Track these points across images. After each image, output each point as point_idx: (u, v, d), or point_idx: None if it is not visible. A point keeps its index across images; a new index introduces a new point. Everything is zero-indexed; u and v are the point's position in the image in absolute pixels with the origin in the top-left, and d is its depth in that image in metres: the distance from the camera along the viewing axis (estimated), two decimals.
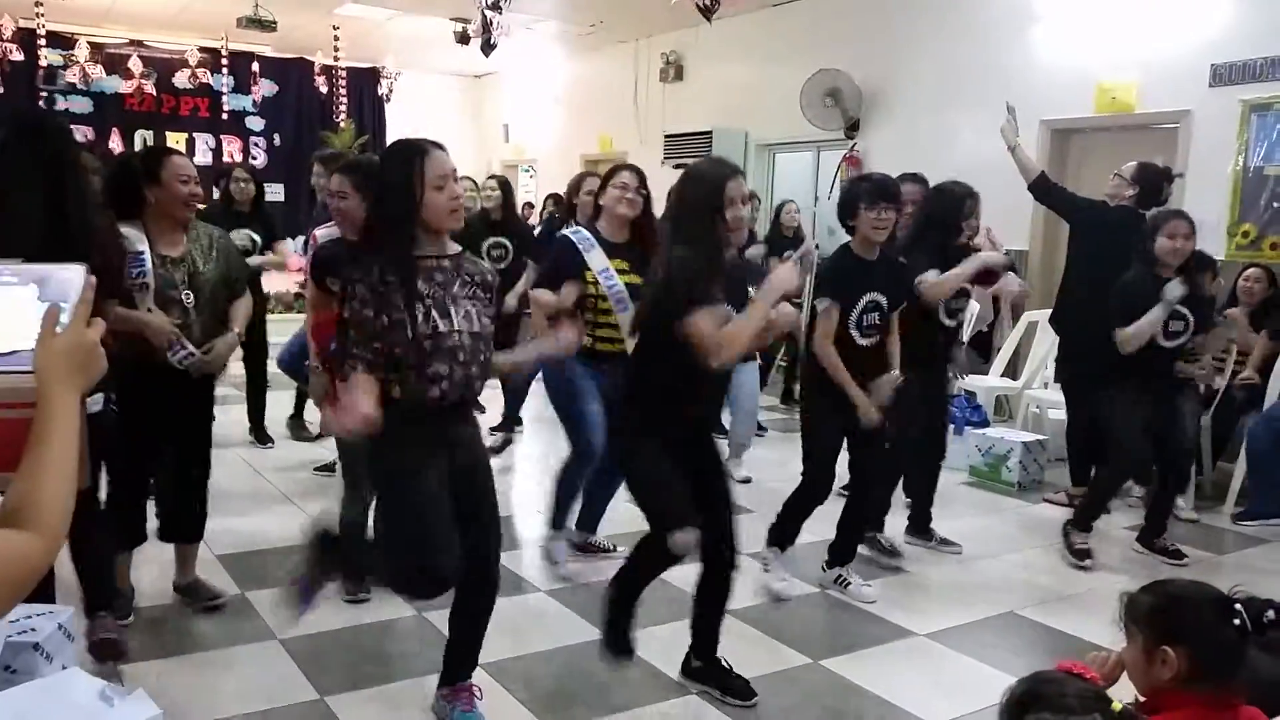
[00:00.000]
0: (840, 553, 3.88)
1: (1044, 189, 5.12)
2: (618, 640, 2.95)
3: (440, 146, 2.50)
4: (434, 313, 2.43)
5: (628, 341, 3.59)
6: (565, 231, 3.91)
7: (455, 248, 2.57)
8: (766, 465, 5.39)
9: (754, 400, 5.47)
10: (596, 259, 3.69)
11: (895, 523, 4.37)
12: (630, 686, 3.02)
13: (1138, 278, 4.24)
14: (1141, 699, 1.74)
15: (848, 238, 3.73)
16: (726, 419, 5.37)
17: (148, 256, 3.14)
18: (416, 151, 2.46)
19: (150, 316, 3.10)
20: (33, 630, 2.59)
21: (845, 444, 3.75)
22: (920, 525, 4.43)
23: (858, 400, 3.54)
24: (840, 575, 3.86)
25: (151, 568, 3.58)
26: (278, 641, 3.24)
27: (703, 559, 2.94)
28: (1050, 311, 5.47)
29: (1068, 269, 5.26)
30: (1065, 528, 4.39)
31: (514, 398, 5.93)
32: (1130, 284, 4.23)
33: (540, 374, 3.98)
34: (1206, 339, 4.52)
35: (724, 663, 3.05)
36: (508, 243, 5.79)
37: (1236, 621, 1.64)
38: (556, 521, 4.06)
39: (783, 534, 3.84)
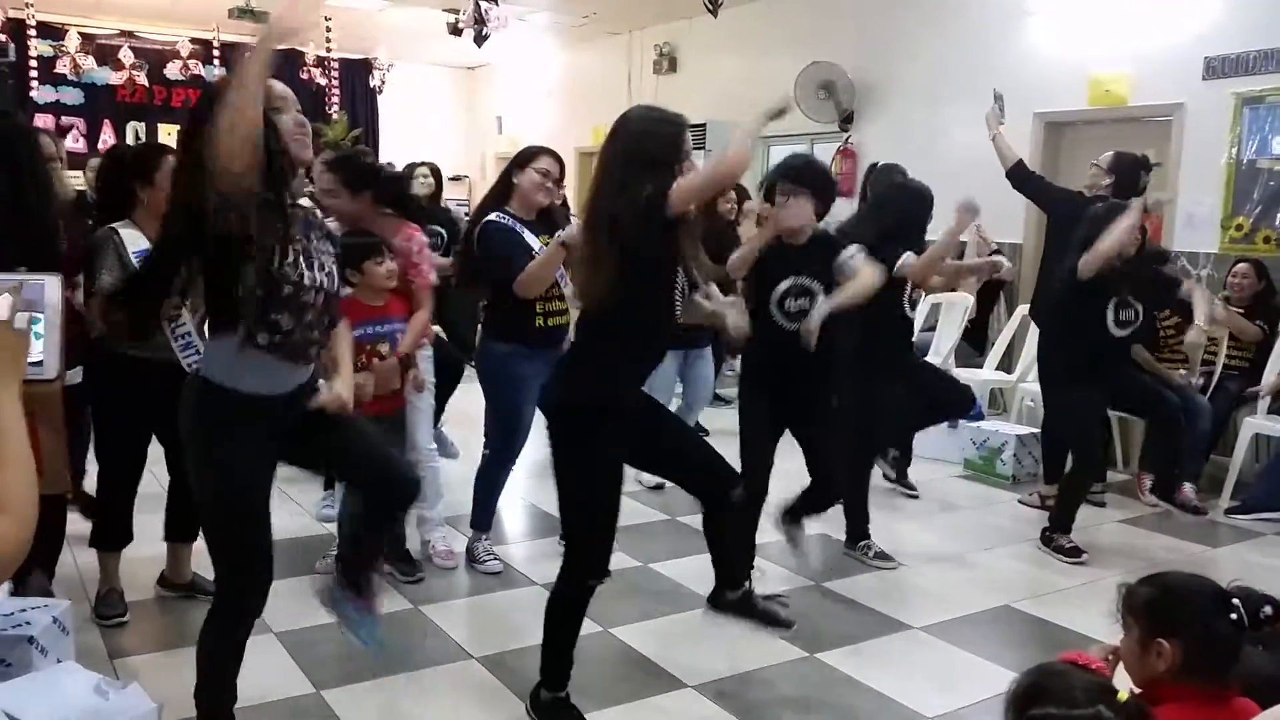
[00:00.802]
0: (793, 512, 3.73)
1: (1021, 177, 5.15)
2: (550, 673, 2.79)
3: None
4: (299, 259, 2.18)
5: (573, 312, 3.54)
6: (491, 218, 3.63)
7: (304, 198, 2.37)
8: None
9: (708, 390, 5.27)
10: (530, 238, 3.61)
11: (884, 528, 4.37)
12: (627, 681, 3.03)
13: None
14: (1137, 690, 1.74)
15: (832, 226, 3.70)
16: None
17: None
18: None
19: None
20: (28, 624, 2.59)
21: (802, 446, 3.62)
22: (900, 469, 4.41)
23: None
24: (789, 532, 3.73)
25: (147, 562, 3.57)
26: (273, 634, 3.23)
27: (700, 499, 2.84)
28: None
29: (1044, 260, 5.28)
30: (1046, 534, 4.37)
31: None
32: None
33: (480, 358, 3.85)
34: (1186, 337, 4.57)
35: (756, 595, 2.96)
36: (443, 231, 5.68)
37: (1233, 616, 1.64)
38: (479, 521, 3.98)
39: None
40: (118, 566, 3.41)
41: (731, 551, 2.94)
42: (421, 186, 5.74)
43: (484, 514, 3.97)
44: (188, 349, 3.12)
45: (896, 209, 4.11)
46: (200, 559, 3.66)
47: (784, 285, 3.42)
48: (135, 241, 3.09)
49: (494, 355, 3.75)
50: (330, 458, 2.54)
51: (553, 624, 2.75)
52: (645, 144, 2.52)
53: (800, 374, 3.46)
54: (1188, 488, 5.01)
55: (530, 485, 5.06)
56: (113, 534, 3.38)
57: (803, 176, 3.49)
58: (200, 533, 3.42)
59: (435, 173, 5.93)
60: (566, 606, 2.75)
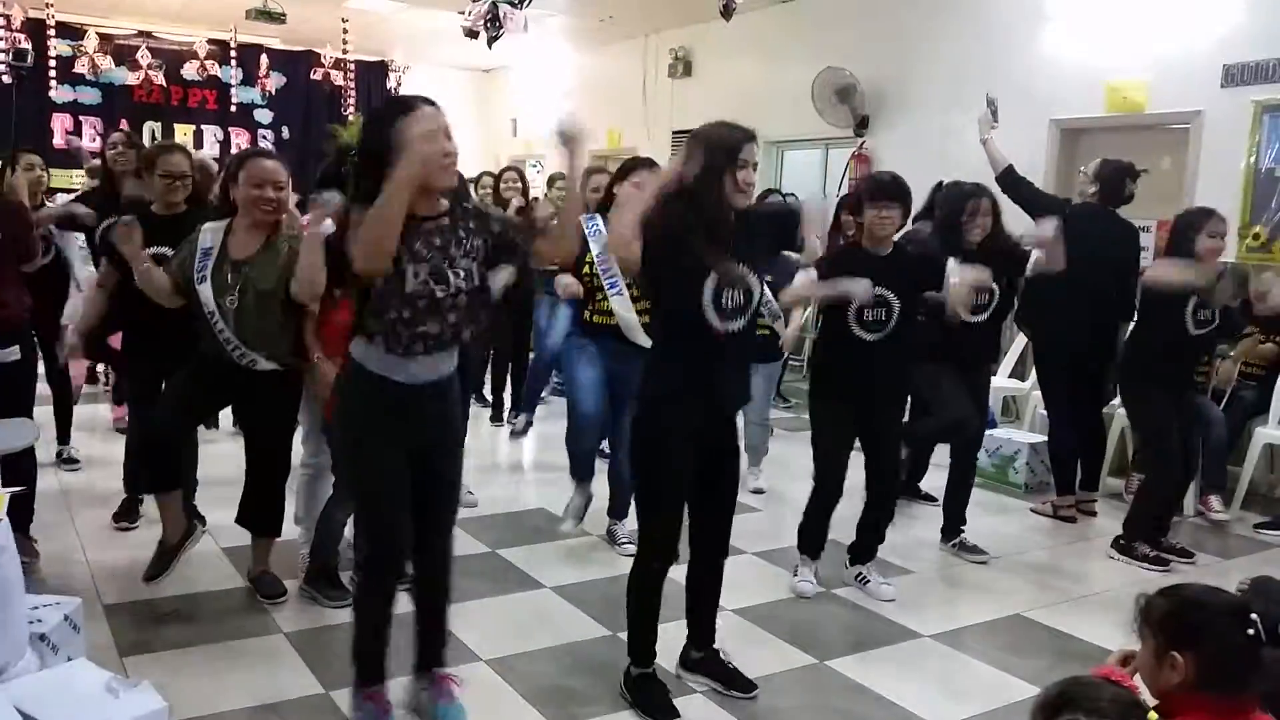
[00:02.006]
0: (860, 551, 3.89)
1: (1010, 182, 5.10)
2: (636, 651, 2.94)
3: (430, 101, 2.49)
4: (429, 277, 2.44)
5: (618, 316, 3.90)
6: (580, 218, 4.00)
7: (446, 204, 2.54)
8: (770, 463, 5.38)
9: (765, 408, 5.35)
10: (597, 245, 3.92)
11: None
12: None
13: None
14: (1154, 701, 1.73)
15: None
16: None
17: (211, 255, 3.27)
18: (400, 108, 2.46)
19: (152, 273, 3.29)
20: (39, 621, 2.59)
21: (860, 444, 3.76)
22: (951, 531, 4.39)
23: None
24: (860, 573, 3.87)
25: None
26: (283, 635, 3.25)
27: (692, 553, 2.97)
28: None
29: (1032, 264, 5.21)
30: (1125, 545, 4.35)
31: (534, 379, 5.92)
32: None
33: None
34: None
35: (723, 654, 3.06)
36: None
37: (1250, 631, 1.62)
38: (577, 473, 4.27)
39: (808, 541, 3.82)
40: (178, 507, 3.49)
41: (710, 610, 3.06)
42: (512, 192, 5.92)
43: (579, 466, 4.25)
44: (229, 344, 3.26)
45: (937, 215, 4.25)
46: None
47: None
48: (204, 240, 3.30)
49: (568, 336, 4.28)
50: (422, 489, 2.65)
51: (629, 603, 2.92)
52: (701, 150, 2.70)
53: (877, 383, 3.62)
54: (1214, 500, 4.97)
55: (539, 489, 5.07)
56: (154, 475, 3.46)
57: (890, 189, 3.61)
58: (278, 528, 3.57)
59: (522, 177, 6.16)
60: (637, 587, 2.91)
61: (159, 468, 3.44)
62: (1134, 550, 4.32)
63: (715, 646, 3.08)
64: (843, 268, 3.50)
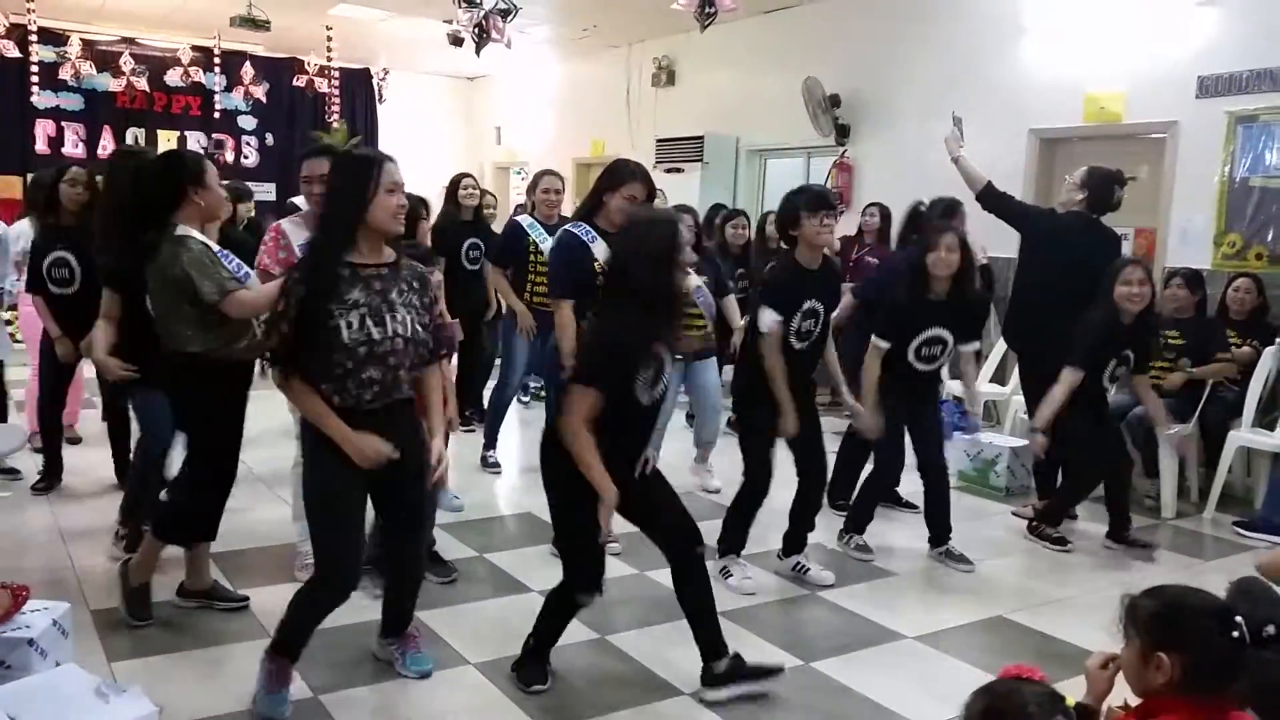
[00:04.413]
0: (796, 542, 4.03)
1: (993, 199, 5.04)
2: (528, 672, 3.01)
3: (391, 159, 2.66)
4: (368, 321, 2.55)
5: None
6: (568, 227, 3.95)
7: (392, 254, 2.67)
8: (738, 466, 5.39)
9: (717, 395, 5.23)
10: (600, 249, 3.78)
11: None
12: (624, 687, 3.04)
13: (1102, 318, 4.36)
14: (1136, 700, 1.76)
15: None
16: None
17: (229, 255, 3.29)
18: (373, 160, 2.63)
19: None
20: (27, 626, 2.61)
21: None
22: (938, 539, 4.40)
23: (785, 409, 3.65)
24: (798, 563, 4.01)
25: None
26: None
27: (669, 559, 2.99)
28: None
29: (1017, 278, 5.19)
30: (1037, 528, 4.66)
31: (496, 413, 5.70)
32: (1091, 323, 4.38)
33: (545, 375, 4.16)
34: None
35: (741, 657, 3.03)
36: (482, 243, 5.86)
37: (1235, 634, 1.64)
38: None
39: (734, 541, 3.91)
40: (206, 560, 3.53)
41: (709, 617, 3.01)
42: (471, 199, 5.98)
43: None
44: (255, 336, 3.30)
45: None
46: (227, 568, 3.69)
47: (803, 309, 3.64)
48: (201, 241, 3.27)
49: (554, 368, 4.00)
50: (389, 511, 2.86)
51: (541, 626, 3.02)
52: (642, 243, 2.80)
53: (804, 384, 3.82)
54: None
55: (524, 493, 5.08)
56: (191, 529, 3.42)
57: (831, 199, 3.72)
58: (214, 534, 3.50)
59: (478, 184, 6.25)
60: (553, 614, 3.01)
61: (199, 518, 3.40)
62: (1045, 533, 4.62)
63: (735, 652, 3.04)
64: (788, 289, 3.66)
